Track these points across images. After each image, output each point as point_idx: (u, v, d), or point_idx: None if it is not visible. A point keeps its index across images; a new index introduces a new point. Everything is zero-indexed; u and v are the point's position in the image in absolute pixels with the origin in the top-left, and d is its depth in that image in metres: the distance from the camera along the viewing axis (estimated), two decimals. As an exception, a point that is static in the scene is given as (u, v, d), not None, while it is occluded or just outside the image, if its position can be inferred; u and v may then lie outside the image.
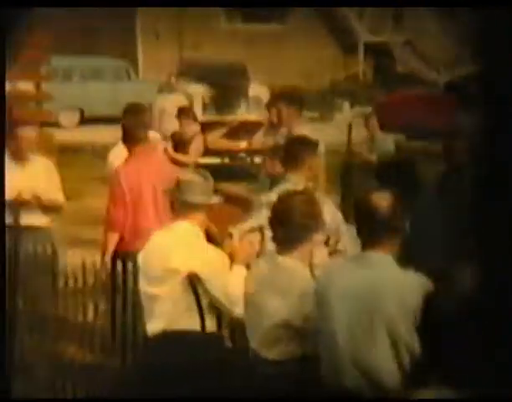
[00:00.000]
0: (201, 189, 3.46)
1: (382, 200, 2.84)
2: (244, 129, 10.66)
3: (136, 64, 20.81)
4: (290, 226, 3.08)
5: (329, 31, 23.78)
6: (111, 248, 4.78)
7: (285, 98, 5.98)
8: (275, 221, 3.15)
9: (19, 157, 5.35)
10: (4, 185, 4.00)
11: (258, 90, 14.57)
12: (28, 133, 5.42)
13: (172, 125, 8.33)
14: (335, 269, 3.05)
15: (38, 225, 5.30)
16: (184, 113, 8.00)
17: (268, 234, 3.35)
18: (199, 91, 14.04)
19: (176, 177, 3.53)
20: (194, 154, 7.80)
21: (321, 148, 5.29)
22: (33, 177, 5.32)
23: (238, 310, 3.31)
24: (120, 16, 20.72)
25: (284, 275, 3.11)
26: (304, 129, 5.39)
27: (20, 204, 5.12)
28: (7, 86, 9.16)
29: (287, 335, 3.06)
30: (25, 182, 5.24)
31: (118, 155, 5.47)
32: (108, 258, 4.77)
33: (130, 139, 4.91)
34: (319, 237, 3.23)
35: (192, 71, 15.61)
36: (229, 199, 5.11)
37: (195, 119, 8.03)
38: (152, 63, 21.12)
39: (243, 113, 13.83)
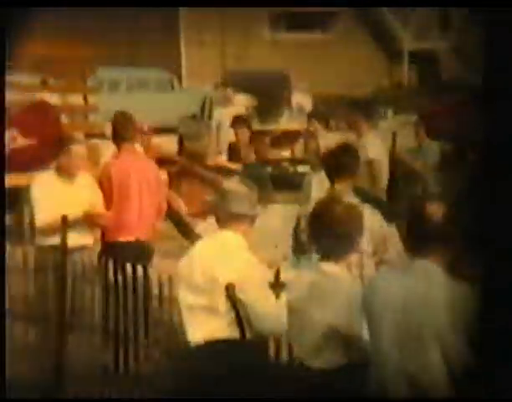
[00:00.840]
0: (245, 200, 3.47)
1: (437, 209, 2.81)
2: (287, 138, 10.66)
3: (180, 75, 21.02)
4: (333, 235, 3.05)
5: (373, 39, 23.67)
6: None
7: (329, 106, 5.98)
8: (316, 229, 3.13)
9: (69, 174, 5.27)
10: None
11: (300, 99, 14.60)
12: (80, 150, 5.37)
13: (228, 136, 8.33)
14: (383, 278, 3.01)
15: (86, 243, 5.24)
16: (239, 122, 7.98)
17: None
18: (242, 101, 14.13)
19: (222, 187, 3.55)
20: (244, 163, 7.73)
21: (365, 156, 5.28)
22: (80, 193, 5.26)
23: (271, 326, 3.31)
24: (163, 27, 20.99)
25: (329, 283, 3.08)
26: (347, 137, 5.39)
27: (68, 223, 4.99)
28: (56, 99, 9.37)
29: (332, 344, 3.05)
30: (73, 198, 5.19)
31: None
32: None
33: (119, 137, 5.35)
34: (362, 246, 3.20)
35: (235, 81, 15.72)
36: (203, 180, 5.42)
37: (249, 127, 7.98)
38: (195, 73, 21.31)
39: (286, 122, 13.85)
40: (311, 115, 7.18)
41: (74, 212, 5.04)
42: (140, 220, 5.30)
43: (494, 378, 1.89)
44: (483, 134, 1.92)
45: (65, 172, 5.25)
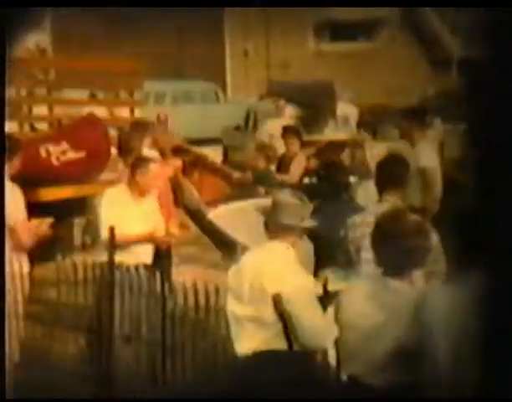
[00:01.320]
0: (297, 212, 3.44)
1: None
2: (333, 148, 10.60)
3: (225, 85, 21.14)
4: (399, 249, 2.98)
5: (419, 47, 23.44)
6: None
7: (374, 116, 5.93)
8: (381, 243, 3.05)
9: (141, 192, 5.25)
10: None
11: (345, 109, 14.50)
12: (156, 169, 5.37)
13: (280, 147, 8.24)
14: (435, 291, 2.95)
15: (148, 263, 5.26)
16: (289, 132, 7.87)
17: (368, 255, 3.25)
18: (287, 111, 14.10)
19: (273, 199, 3.54)
20: (295, 174, 7.57)
21: (418, 165, 5.21)
22: (148, 212, 5.31)
23: (318, 338, 3.28)
24: (208, 38, 21.15)
25: (394, 298, 3.00)
26: (395, 147, 5.33)
27: (133, 240, 5.09)
28: (104, 113, 9.49)
29: (395, 361, 2.96)
30: (141, 216, 5.21)
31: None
32: None
33: (127, 150, 5.53)
34: (428, 260, 3.11)
35: (279, 91, 15.71)
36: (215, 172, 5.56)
37: (299, 138, 7.82)
38: (240, 84, 21.41)
39: (331, 132, 13.78)
40: (359, 125, 7.12)
41: (140, 230, 5.12)
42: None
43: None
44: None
45: (138, 190, 5.27)
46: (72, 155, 6.64)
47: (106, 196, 5.33)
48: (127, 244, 5.05)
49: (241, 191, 6.38)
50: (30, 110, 9.41)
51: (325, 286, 3.48)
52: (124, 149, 5.75)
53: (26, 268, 5.02)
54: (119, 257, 4.82)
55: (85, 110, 8.77)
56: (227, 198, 5.81)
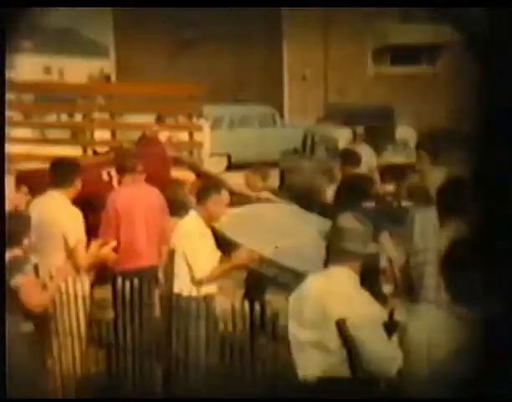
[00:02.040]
0: (360, 237, 3.41)
1: None
2: (392, 172, 10.49)
3: (282, 109, 21.21)
4: (469, 278, 2.90)
5: (479, 71, 23.07)
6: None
7: (435, 140, 5.81)
8: (451, 268, 2.96)
9: (211, 219, 5.11)
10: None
11: (405, 133, 14.34)
12: (227, 196, 5.23)
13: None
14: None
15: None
16: (347, 156, 7.64)
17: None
18: (345, 135, 14.04)
19: (337, 223, 3.49)
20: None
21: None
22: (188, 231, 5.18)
23: (383, 366, 3.19)
24: (266, 62, 21.31)
25: (463, 326, 2.90)
26: (456, 171, 5.21)
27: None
28: (165, 135, 9.60)
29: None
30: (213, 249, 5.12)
31: None
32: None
33: (121, 169, 5.61)
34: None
35: (337, 115, 15.66)
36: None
37: (358, 162, 7.41)
38: (298, 107, 21.45)
39: (390, 156, 13.63)
40: (419, 149, 6.97)
41: (215, 260, 5.02)
42: (149, 246, 5.47)
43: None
44: None
45: (208, 217, 5.08)
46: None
47: (181, 227, 5.10)
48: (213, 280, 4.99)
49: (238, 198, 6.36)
50: (92, 134, 9.63)
51: (391, 314, 3.40)
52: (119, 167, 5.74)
53: (87, 289, 5.09)
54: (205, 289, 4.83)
55: (147, 132, 8.93)
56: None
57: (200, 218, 5.05)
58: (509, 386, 2.66)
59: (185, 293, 4.74)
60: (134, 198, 5.51)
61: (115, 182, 6.24)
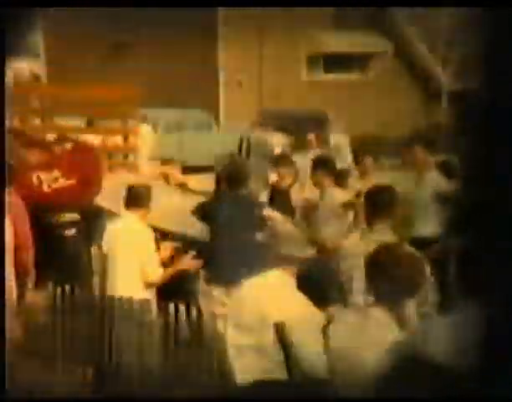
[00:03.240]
0: (296, 242, 3.46)
1: None
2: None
3: (218, 113, 21.24)
4: (391, 280, 2.93)
5: (410, 79, 23.67)
6: None
7: (367, 147, 5.98)
8: (374, 272, 3.01)
9: None
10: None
11: (338, 139, 14.59)
12: None
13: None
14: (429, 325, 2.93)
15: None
16: (321, 164, 7.16)
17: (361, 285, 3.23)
18: (280, 140, 14.19)
19: (275, 228, 3.55)
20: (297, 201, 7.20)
21: (433, 192, 5.22)
22: None
23: (320, 368, 3.22)
24: (201, 66, 21.30)
25: (374, 328, 2.99)
26: (386, 178, 5.37)
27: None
28: (98, 140, 9.46)
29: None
30: None
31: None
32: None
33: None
34: (421, 293, 3.09)
35: (272, 120, 15.81)
36: None
37: (334, 171, 7.08)
38: (233, 112, 21.53)
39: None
40: (355, 155, 7.11)
41: None
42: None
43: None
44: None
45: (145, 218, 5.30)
46: (63, 183, 6.65)
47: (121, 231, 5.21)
48: None
49: None
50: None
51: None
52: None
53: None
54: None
55: (80, 137, 8.80)
56: None
57: (138, 219, 5.10)
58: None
59: (126, 296, 4.72)
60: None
61: (45, 186, 6.15)
